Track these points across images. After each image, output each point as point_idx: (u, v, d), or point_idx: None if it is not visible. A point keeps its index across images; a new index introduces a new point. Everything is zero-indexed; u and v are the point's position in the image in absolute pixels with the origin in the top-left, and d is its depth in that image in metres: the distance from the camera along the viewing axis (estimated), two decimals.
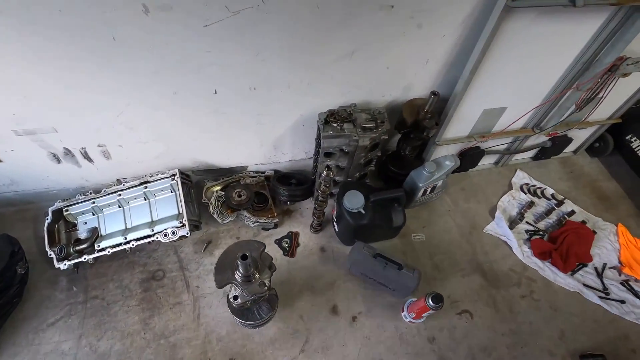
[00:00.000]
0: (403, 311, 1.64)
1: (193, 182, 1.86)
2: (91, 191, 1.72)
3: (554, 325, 1.70)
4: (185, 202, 1.64)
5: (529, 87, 1.71)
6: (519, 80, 1.63)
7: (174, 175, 1.70)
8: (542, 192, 2.13)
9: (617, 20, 1.43)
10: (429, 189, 1.83)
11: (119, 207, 1.74)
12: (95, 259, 1.61)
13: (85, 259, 1.59)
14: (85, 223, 1.74)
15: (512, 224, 1.97)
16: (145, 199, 1.75)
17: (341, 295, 1.70)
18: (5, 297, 1.46)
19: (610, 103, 1.96)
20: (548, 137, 2.04)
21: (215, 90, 1.40)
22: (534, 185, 2.15)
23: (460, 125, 1.82)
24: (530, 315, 1.72)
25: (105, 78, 1.25)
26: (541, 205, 2.07)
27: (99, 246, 1.65)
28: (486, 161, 2.17)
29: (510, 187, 2.13)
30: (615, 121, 2.08)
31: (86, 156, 1.60)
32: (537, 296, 1.77)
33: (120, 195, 1.70)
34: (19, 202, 1.81)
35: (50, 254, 1.60)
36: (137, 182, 1.70)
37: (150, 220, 1.73)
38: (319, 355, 1.54)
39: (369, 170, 1.80)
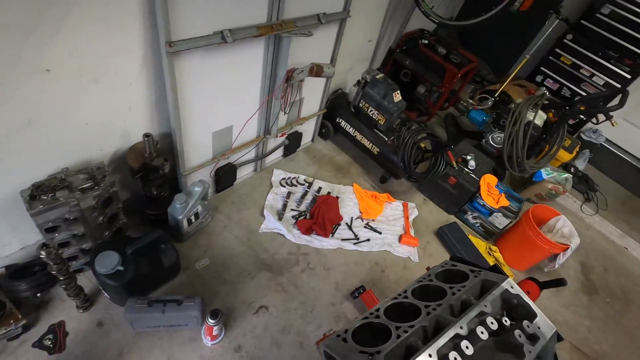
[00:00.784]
0: (203, 338, 1.69)
1: None
2: None
3: (330, 281, 2.10)
4: None
5: (240, 104, 2.00)
6: (227, 102, 1.90)
7: None
8: (297, 181, 2.56)
9: (272, 44, 1.86)
10: (192, 217, 1.92)
11: None
12: None
13: None
14: None
15: (280, 215, 2.30)
16: None
17: (135, 357, 1.60)
18: None
19: (314, 99, 2.54)
20: (281, 137, 2.46)
21: None
22: (289, 178, 2.56)
23: (199, 151, 1.98)
24: (312, 282, 2.07)
25: None
26: (298, 191, 2.50)
27: None
28: (245, 172, 2.45)
29: (272, 186, 2.48)
30: (323, 111, 2.70)
31: None
32: (313, 265, 2.15)
33: None
34: None
35: None
36: None
37: None
38: None
39: (122, 222, 1.75)
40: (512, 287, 1.08)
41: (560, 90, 3.70)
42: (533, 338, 0.97)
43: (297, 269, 2.11)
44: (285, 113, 2.23)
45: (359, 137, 2.74)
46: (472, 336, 0.93)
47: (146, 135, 1.57)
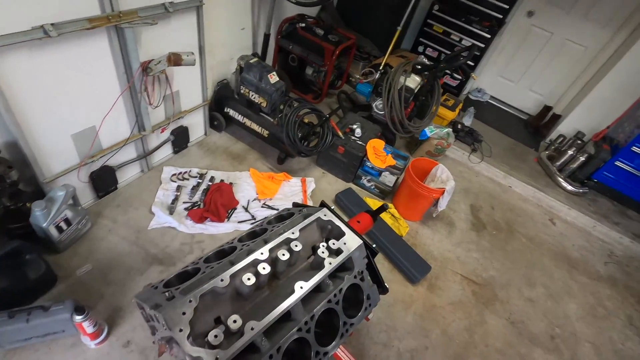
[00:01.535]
0: (83, 341, 1.64)
1: None
2: None
3: None
4: None
5: (98, 103, 1.95)
6: (78, 101, 1.84)
7: None
8: (189, 174, 2.56)
9: (116, 37, 1.84)
10: (62, 224, 1.85)
11: None
12: None
13: None
14: None
15: (171, 210, 2.29)
16: None
17: None
18: None
19: (193, 91, 2.55)
20: (162, 133, 2.44)
21: None
22: (180, 172, 2.55)
23: (60, 156, 1.90)
24: None
25: None
26: (190, 184, 2.50)
27: None
28: (130, 173, 2.40)
29: (161, 183, 2.45)
30: (206, 103, 2.72)
31: None
32: (208, 250, 2.16)
33: None
34: None
35: None
36: None
37: None
38: None
39: None
40: (324, 215, 1.19)
41: (440, 57, 4.05)
42: (337, 252, 1.09)
43: (191, 257, 2.11)
44: (154, 107, 2.21)
45: (248, 123, 2.79)
46: (274, 259, 1.02)
47: None
